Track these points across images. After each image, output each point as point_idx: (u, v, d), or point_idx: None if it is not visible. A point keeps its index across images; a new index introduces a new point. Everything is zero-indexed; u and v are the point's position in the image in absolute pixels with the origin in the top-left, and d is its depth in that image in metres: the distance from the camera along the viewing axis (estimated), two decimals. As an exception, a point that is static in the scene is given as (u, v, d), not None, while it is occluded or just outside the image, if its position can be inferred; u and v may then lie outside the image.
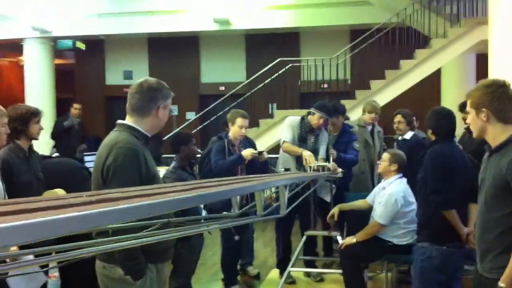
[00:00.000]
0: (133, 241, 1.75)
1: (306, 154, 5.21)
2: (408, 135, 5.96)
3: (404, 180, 4.80)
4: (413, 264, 3.82)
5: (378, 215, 4.73)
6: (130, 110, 2.69)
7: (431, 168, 3.63)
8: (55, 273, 4.43)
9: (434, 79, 11.54)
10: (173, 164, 4.64)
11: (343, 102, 9.87)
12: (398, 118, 6.06)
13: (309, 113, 5.53)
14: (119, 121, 2.72)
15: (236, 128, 5.26)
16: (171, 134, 8.62)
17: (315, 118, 5.44)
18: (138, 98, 2.66)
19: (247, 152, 5.14)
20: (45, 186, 3.61)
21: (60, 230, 0.93)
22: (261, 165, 5.42)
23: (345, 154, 5.66)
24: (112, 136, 2.66)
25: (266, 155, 5.40)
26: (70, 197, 1.43)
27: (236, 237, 5.08)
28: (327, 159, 5.38)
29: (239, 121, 5.25)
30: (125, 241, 1.75)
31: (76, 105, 9.39)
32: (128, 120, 2.70)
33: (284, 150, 5.53)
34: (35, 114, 3.68)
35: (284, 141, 5.50)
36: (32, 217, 0.89)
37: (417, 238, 3.86)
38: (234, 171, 5.17)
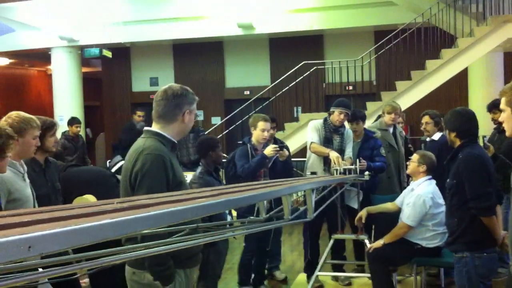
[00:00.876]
0: (162, 247, 1.77)
1: (334, 155, 5.19)
2: (436, 136, 5.89)
3: (433, 181, 4.75)
4: (456, 276, 3.65)
5: (406, 216, 4.69)
6: (156, 117, 2.72)
7: (470, 173, 3.50)
8: (85, 280, 4.49)
9: (461, 78, 11.40)
10: (199, 169, 4.67)
11: (368, 104, 9.90)
12: (426, 119, 5.99)
13: (329, 114, 5.54)
14: (146, 128, 2.76)
15: (259, 132, 5.26)
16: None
17: (335, 115, 5.45)
18: (164, 105, 2.68)
19: (268, 149, 5.14)
20: (75, 194, 3.66)
21: (94, 237, 0.95)
22: (283, 169, 5.45)
23: (373, 162, 5.62)
24: (139, 143, 2.70)
25: (286, 152, 5.39)
26: (102, 204, 1.45)
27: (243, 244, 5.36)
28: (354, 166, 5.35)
29: (261, 124, 5.25)
30: (154, 247, 1.77)
31: (139, 112, 9.36)
32: (155, 127, 2.72)
33: (312, 151, 5.53)
34: (50, 127, 3.62)
35: (311, 142, 5.50)
36: (67, 225, 0.91)
37: (452, 248, 3.70)
38: (258, 173, 5.18)
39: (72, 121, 9.21)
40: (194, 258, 2.80)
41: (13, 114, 3.20)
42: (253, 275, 5.56)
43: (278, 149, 5.16)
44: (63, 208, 1.32)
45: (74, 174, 4.14)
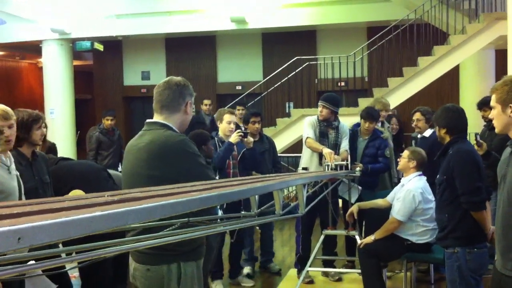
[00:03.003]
0: (153, 240, 1.77)
1: (326, 151, 5.22)
2: (428, 132, 5.91)
3: (424, 177, 4.78)
4: (447, 272, 3.66)
5: (396, 211, 4.72)
6: (159, 107, 2.66)
7: (460, 168, 3.51)
8: (75, 273, 4.48)
9: (453, 75, 11.44)
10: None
11: (360, 100, 9.91)
12: (417, 115, 6.01)
13: None
14: (150, 120, 2.69)
15: (225, 125, 5.41)
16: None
17: (318, 111, 5.57)
18: (168, 94, 2.65)
19: (233, 136, 5.22)
20: (67, 187, 3.64)
21: (85, 229, 0.94)
22: (251, 161, 5.52)
23: (373, 164, 5.65)
24: (155, 135, 2.59)
25: (251, 139, 5.44)
26: (93, 196, 1.44)
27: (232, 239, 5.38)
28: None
29: (226, 117, 5.42)
30: (145, 241, 1.77)
31: (206, 101, 8.98)
32: (159, 118, 2.67)
33: (307, 146, 5.56)
34: (36, 120, 3.53)
35: (307, 137, 5.54)
36: (57, 217, 0.90)
37: (443, 244, 3.71)
38: (227, 165, 5.27)
39: (105, 114, 8.83)
40: (201, 248, 2.77)
41: None
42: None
43: (242, 134, 5.21)
44: (53, 201, 1.31)
45: (65, 168, 4.13)
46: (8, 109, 3.22)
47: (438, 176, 3.75)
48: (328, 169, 4.98)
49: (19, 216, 0.91)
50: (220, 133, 5.44)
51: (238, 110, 7.35)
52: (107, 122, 8.58)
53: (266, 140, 6.12)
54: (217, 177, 4.72)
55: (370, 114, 5.76)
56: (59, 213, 0.94)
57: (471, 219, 3.51)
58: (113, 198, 1.36)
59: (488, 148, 5.25)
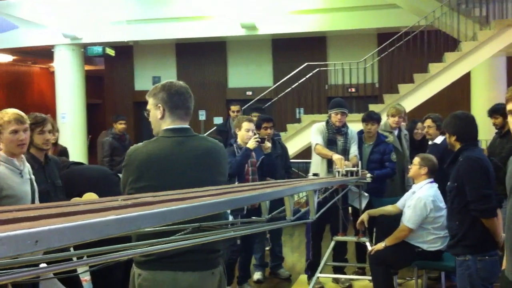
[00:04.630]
0: (165, 245, 1.77)
1: (336, 157, 5.21)
2: (439, 139, 5.88)
3: (435, 185, 4.75)
4: (458, 280, 3.64)
5: (407, 219, 4.70)
6: (187, 114, 2.61)
7: (470, 175, 3.51)
8: (86, 277, 4.49)
9: (464, 82, 11.39)
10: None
11: (371, 106, 9.89)
12: (428, 122, 5.98)
13: (330, 117, 5.60)
14: (184, 126, 2.61)
15: (243, 132, 5.40)
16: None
17: (333, 118, 5.55)
18: (191, 101, 2.63)
19: (250, 142, 5.22)
20: (78, 191, 3.65)
21: (100, 233, 0.95)
22: (272, 167, 5.56)
23: (380, 169, 5.64)
24: (208, 142, 2.64)
25: (268, 144, 5.47)
26: (106, 200, 1.45)
27: (238, 241, 5.35)
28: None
29: (245, 125, 5.40)
30: (157, 245, 1.77)
31: (234, 107, 8.03)
32: (186, 124, 2.62)
33: (316, 153, 5.56)
34: (38, 123, 3.51)
35: (316, 144, 5.54)
36: (73, 220, 0.91)
37: (454, 251, 3.70)
38: (246, 172, 5.28)
39: (117, 118, 8.65)
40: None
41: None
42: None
43: (259, 140, 5.23)
44: (68, 204, 1.32)
45: (76, 172, 4.15)
46: (22, 113, 3.25)
47: (448, 183, 3.74)
48: (338, 175, 4.97)
49: (36, 220, 0.92)
50: (239, 141, 5.43)
51: (254, 117, 6.95)
52: (120, 126, 8.51)
53: (278, 145, 6.13)
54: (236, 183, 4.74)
55: (369, 116, 5.77)
56: (75, 217, 0.95)
57: (482, 226, 3.49)
58: (126, 202, 1.37)
59: (498, 155, 5.23)
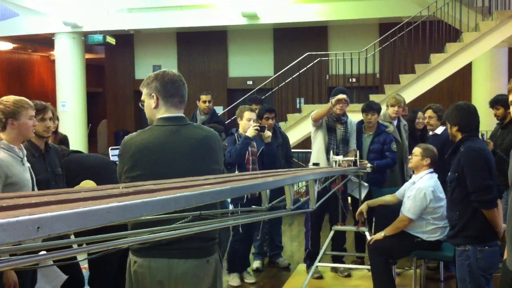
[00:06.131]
0: (166, 233, 1.77)
1: (335, 98, 5.35)
2: (439, 130, 5.87)
3: (435, 175, 4.75)
4: (458, 270, 3.66)
5: (407, 209, 4.70)
6: (181, 102, 2.59)
7: (471, 166, 3.51)
8: (86, 265, 4.51)
9: (465, 73, 11.38)
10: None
11: (372, 96, 9.88)
12: (429, 113, 5.97)
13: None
14: (178, 115, 2.59)
15: (245, 122, 5.39)
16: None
17: (336, 106, 5.52)
18: (185, 89, 2.62)
19: (250, 130, 5.22)
20: (77, 179, 3.66)
21: (101, 219, 0.95)
22: (270, 157, 5.54)
23: (380, 159, 5.64)
24: (202, 130, 2.63)
25: (269, 133, 5.47)
26: (108, 188, 1.45)
27: (241, 230, 5.33)
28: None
29: (247, 114, 5.40)
30: (157, 233, 1.77)
31: (204, 96, 6.88)
32: (180, 113, 2.61)
33: (314, 117, 5.58)
34: (39, 111, 3.47)
35: (312, 112, 5.58)
36: (75, 207, 0.91)
37: (454, 242, 3.71)
38: (246, 161, 5.27)
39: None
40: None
41: (4, 99, 3.18)
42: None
43: (258, 128, 5.22)
44: (69, 191, 1.32)
45: (76, 161, 4.14)
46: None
47: (449, 174, 3.74)
48: (335, 165, 4.98)
49: (38, 206, 0.92)
50: (240, 130, 5.41)
51: (255, 108, 6.61)
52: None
53: (279, 134, 6.13)
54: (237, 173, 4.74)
55: (369, 106, 5.77)
56: (77, 203, 0.95)
57: (482, 217, 3.50)
58: (128, 190, 1.37)
59: (499, 146, 5.23)
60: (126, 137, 2.61)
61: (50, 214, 0.84)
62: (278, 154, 5.86)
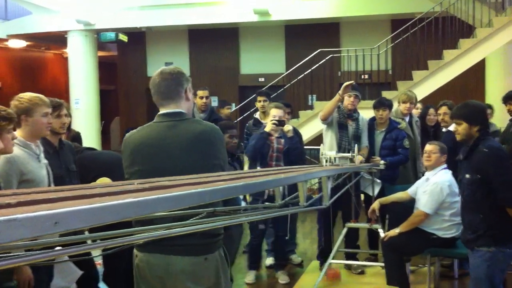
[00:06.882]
0: (180, 228, 1.78)
1: (345, 83, 5.33)
2: (453, 126, 5.83)
3: (449, 171, 4.73)
4: (474, 269, 3.55)
5: (423, 204, 4.67)
6: (162, 99, 2.59)
7: (498, 165, 3.41)
8: (100, 260, 4.53)
9: (479, 69, 11.28)
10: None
11: (384, 93, 9.83)
12: (444, 109, 5.93)
13: (341, 101, 5.59)
14: (168, 111, 2.59)
15: (270, 119, 5.35)
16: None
17: (346, 100, 5.51)
18: (165, 85, 2.59)
19: (268, 125, 5.21)
20: (91, 176, 3.68)
21: (118, 215, 0.95)
22: (298, 156, 5.50)
23: (392, 156, 5.61)
24: (198, 125, 2.58)
25: (290, 126, 5.43)
26: (123, 184, 1.46)
27: (261, 226, 5.30)
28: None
29: (273, 111, 5.34)
30: (172, 229, 1.78)
31: (201, 92, 6.54)
32: (169, 109, 2.60)
33: (322, 115, 5.56)
34: (55, 108, 3.50)
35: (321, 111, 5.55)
36: (92, 202, 0.91)
37: (475, 244, 3.53)
38: (270, 157, 5.22)
39: (223, 103, 7.89)
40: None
41: (20, 95, 3.21)
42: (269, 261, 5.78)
43: (276, 122, 5.16)
44: (85, 187, 1.33)
45: (90, 157, 4.17)
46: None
47: (467, 175, 3.57)
48: (325, 163, 4.80)
49: (55, 201, 0.93)
50: (267, 128, 5.36)
51: (259, 101, 6.50)
52: (227, 110, 7.76)
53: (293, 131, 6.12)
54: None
55: (381, 102, 5.76)
56: (93, 199, 0.96)
57: (508, 217, 3.41)
58: (143, 186, 1.37)
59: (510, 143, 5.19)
60: (127, 133, 2.66)
61: (68, 209, 0.85)
62: (302, 149, 5.81)
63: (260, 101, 6.49)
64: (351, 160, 4.92)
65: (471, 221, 3.57)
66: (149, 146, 2.52)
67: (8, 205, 0.90)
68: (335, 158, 4.64)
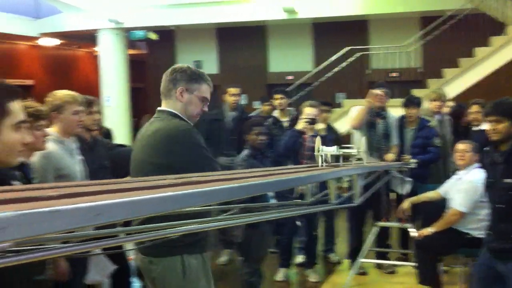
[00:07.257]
0: (212, 223, 1.80)
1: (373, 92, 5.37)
2: (486, 125, 5.73)
3: (483, 170, 4.66)
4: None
5: (458, 203, 4.60)
6: (161, 96, 2.69)
7: None
8: (131, 256, 4.59)
9: (510, 67, 11.07)
10: (245, 152, 4.69)
11: (414, 91, 9.72)
12: (476, 108, 5.84)
13: None
14: (160, 108, 2.69)
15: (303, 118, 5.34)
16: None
17: (373, 96, 5.50)
18: (163, 82, 2.70)
19: (300, 123, 5.20)
20: (123, 172, 3.72)
21: (156, 208, 0.97)
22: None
23: (423, 154, 5.57)
24: (162, 124, 2.58)
25: (321, 125, 5.43)
26: (158, 179, 1.48)
27: (298, 222, 5.31)
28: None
29: (306, 110, 5.31)
30: (204, 224, 1.79)
31: (232, 90, 6.33)
32: (164, 106, 2.67)
33: (354, 123, 5.56)
34: (88, 105, 3.61)
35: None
36: (132, 195, 0.93)
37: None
38: (294, 146, 5.21)
39: (263, 100, 7.33)
40: (203, 242, 2.64)
41: (53, 92, 3.29)
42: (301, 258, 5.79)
43: (308, 121, 5.16)
44: (121, 182, 1.35)
45: (122, 154, 4.22)
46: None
47: (506, 180, 3.38)
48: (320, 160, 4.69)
49: (96, 194, 0.95)
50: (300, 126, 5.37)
51: (276, 99, 6.33)
52: (267, 107, 7.20)
53: (332, 129, 6.14)
54: None
55: (410, 100, 5.74)
56: (133, 192, 0.97)
57: None
58: (177, 181, 1.39)
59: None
60: None
61: (109, 201, 0.87)
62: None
63: (277, 99, 6.37)
64: (398, 160, 4.91)
65: (509, 229, 3.36)
66: (136, 139, 2.78)
67: (50, 198, 0.92)
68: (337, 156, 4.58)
